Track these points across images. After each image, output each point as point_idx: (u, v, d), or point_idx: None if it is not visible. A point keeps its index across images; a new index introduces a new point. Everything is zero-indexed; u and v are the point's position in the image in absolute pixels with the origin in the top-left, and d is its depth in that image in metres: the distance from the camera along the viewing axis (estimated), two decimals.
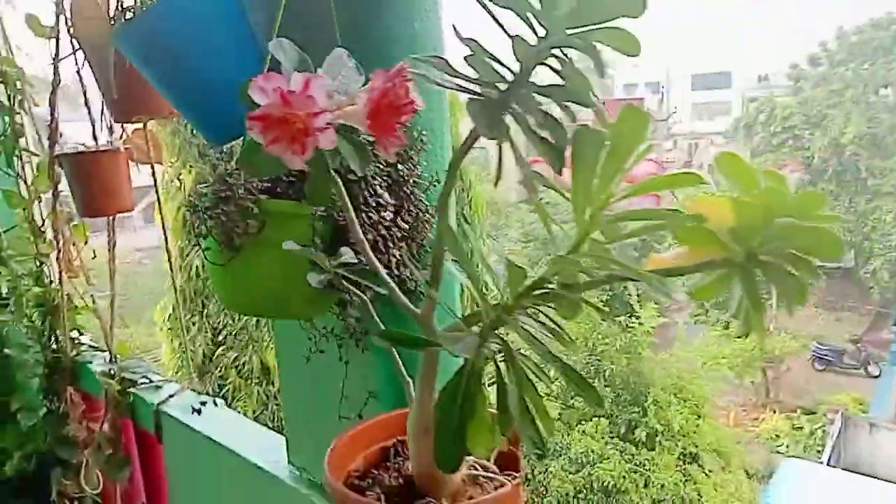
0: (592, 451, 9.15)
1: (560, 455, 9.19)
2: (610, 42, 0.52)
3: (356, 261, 0.71)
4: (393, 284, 0.70)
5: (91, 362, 1.90)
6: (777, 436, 14.33)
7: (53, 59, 1.44)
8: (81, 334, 2.05)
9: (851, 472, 12.10)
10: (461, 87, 0.52)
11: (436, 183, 0.89)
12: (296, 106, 0.49)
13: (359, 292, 0.72)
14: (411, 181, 0.83)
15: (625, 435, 10.15)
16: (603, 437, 9.63)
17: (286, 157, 0.51)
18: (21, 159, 1.88)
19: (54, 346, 2.01)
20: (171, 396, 1.65)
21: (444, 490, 0.79)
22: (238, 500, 1.37)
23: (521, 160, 0.57)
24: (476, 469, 0.82)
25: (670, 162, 35.83)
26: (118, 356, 1.83)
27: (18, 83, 1.80)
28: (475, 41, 0.51)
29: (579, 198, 0.61)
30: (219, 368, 6.43)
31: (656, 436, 10.03)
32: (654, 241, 11.61)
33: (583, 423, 9.89)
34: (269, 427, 1.51)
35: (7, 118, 1.84)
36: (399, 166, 0.83)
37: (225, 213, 0.74)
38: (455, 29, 0.56)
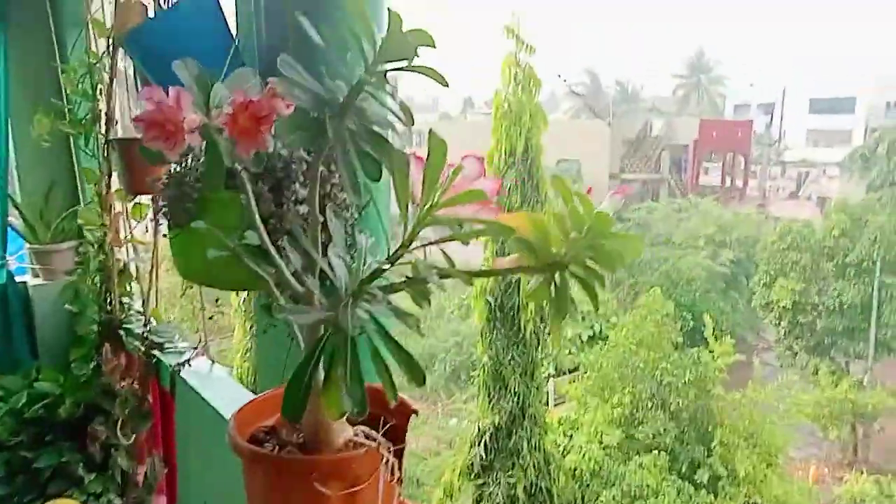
0: (647, 486, 8.87)
1: (613, 485, 8.97)
2: (421, 73, 0.63)
3: (258, 243, 0.85)
4: (282, 265, 0.82)
5: (132, 325, 2.15)
6: (862, 500, 13.24)
7: (110, 54, 1.68)
8: (130, 299, 2.30)
9: None
10: (299, 95, 0.65)
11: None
12: (167, 113, 0.63)
13: (258, 269, 0.86)
14: (331, 182, 0.96)
15: (686, 473, 9.76)
16: (661, 473, 9.31)
17: (163, 150, 0.65)
18: (97, 142, 2.16)
19: (109, 309, 2.28)
20: (187, 361, 1.86)
21: (328, 447, 0.90)
22: (222, 455, 1.54)
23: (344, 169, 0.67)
24: (359, 436, 0.94)
25: (773, 191, 33.94)
26: (153, 322, 2.06)
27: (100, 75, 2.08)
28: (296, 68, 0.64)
29: (403, 205, 0.72)
30: None
31: (719, 479, 9.58)
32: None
33: (641, 454, 9.60)
34: None
35: (90, 105, 2.13)
36: (324, 169, 0.96)
37: (170, 198, 0.90)
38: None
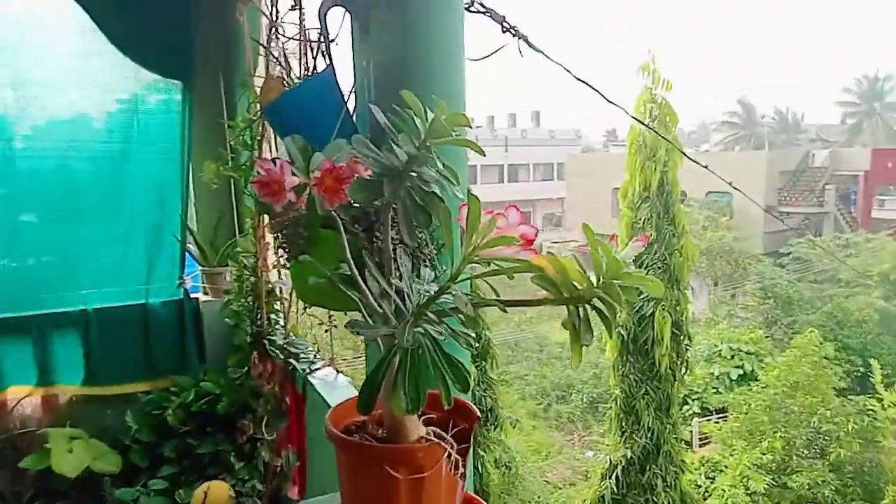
0: None
1: None
2: (460, 145, 0.83)
3: (349, 273, 1.08)
4: (367, 292, 1.05)
5: (276, 337, 2.52)
6: None
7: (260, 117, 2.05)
8: (276, 316, 2.68)
9: None
10: (372, 163, 0.87)
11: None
12: (273, 177, 0.89)
13: (348, 293, 1.09)
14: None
15: None
16: None
17: (272, 203, 0.91)
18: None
19: (259, 323, 2.67)
20: (315, 369, 2.17)
21: (404, 440, 1.11)
22: None
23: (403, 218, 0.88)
24: (430, 434, 1.13)
25: None
26: (291, 335, 2.41)
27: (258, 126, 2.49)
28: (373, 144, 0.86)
29: (449, 247, 0.92)
30: None
31: None
32: None
33: None
34: None
35: (249, 154, 2.55)
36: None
37: (287, 236, 1.16)
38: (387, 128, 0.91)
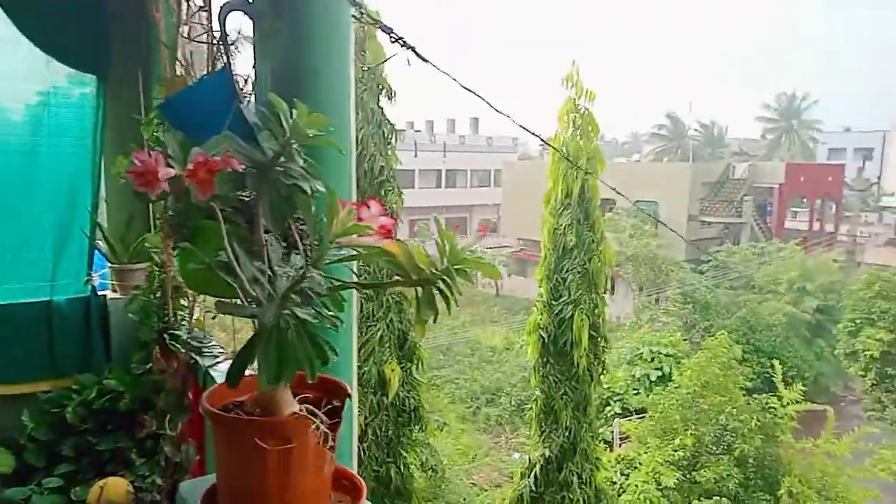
0: None
1: None
2: (323, 143, 0.94)
3: (226, 260, 1.16)
4: (242, 277, 1.13)
5: (179, 332, 2.54)
6: None
7: None
8: (184, 312, 2.70)
9: None
10: (242, 157, 0.96)
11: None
12: (147, 168, 0.97)
13: (227, 279, 1.17)
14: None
15: None
16: None
17: (147, 192, 0.99)
18: None
19: (165, 319, 2.68)
20: (218, 362, 2.21)
21: (277, 416, 1.20)
22: None
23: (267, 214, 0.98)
24: (303, 411, 1.22)
25: (865, 236, 31.99)
26: (195, 330, 2.44)
27: None
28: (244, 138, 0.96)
29: (314, 235, 1.02)
30: None
31: None
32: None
33: (702, 499, 9.32)
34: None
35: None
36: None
37: (172, 226, 1.24)
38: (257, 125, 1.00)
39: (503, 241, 35.90)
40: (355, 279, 1.19)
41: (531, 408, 8.45)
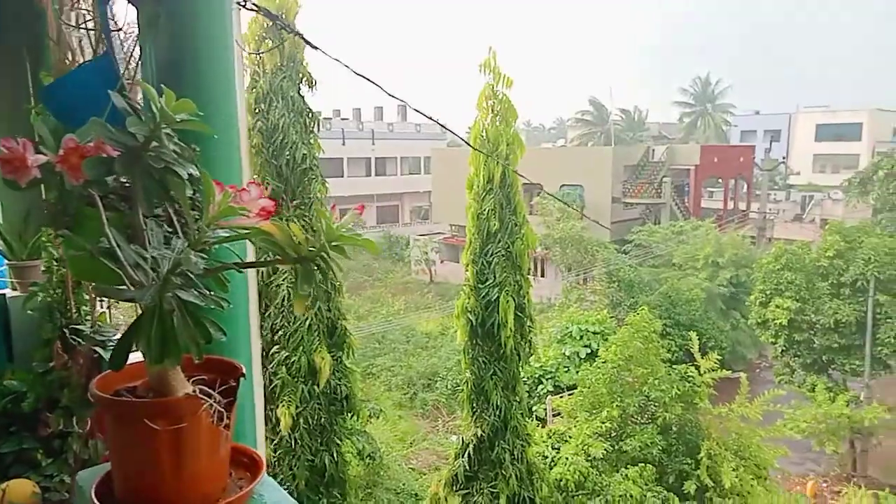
0: (631, 496, 9.03)
1: (598, 495, 9.14)
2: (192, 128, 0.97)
3: (108, 246, 1.17)
4: (124, 262, 1.14)
5: (82, 326, 2.47)
6: None
7: None
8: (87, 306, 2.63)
9: None
10: (113, 143, 0.98)
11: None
12: (15, 154, 0.96)
13: (111, 264, 1.18)
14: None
15: (673, 485, 9.90)
16: (647, 484, 9.46)
17: (16, 179, 0.98)
18: None
19: (68, 315, 2.60)
20: None
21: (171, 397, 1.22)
22: None
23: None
24: (196, 392, 1.25)
25: (774, 213, 34.02)
26: (98, 325, 2.39)
27: None
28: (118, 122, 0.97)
29: (189, 217, 1.04)
30: (272, 365, 7.12)
31: (706, 491, 9.72)
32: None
33: (628, 466, 9.76)
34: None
35: None
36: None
37: (54, 213, 1.23)
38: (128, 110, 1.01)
39: (435, 228, 36.09)
40: (247, 260, 1.22)
41: (462, 389, 8.62)
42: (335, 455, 7.35)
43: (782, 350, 16.73)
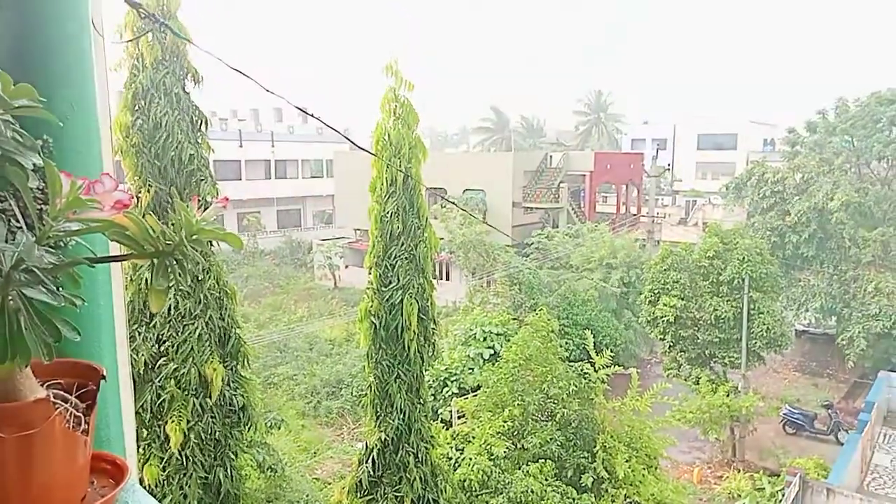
0: (533, 492, 9.28)
1: (501, 493, 9.32)
2: (33, 114, 0.90)
3: None
4: None
5: None
6: (739, 495, 14.31)
7: None
8: None
9: None
10: None
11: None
12: None
13: None
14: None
15: (572, 479, 10.28)
16: (547, 479, 9.76)
17: None
18: None
19: None
20: None
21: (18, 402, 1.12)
22: None
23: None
24: (49, 396, 1.16)
25: (662, 217, 36.25)
26: None
27: None
28: None
29: (33, 210, 0.97)
30: (159, 378, 6.73)
31: (602, 482, 10.16)
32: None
33: (529, 463, 10.03)
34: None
35: None
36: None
37: None
38: None
39: (339, 232, 35.59)
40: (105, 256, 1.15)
41: (366, 394, 8.53)
42: (230, 470, 7.05)
43: (670, 346, 17.80)
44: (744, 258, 16.53)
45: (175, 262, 1.02)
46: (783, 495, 12.64)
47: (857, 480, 13.85)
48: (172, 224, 1.06)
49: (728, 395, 15.80)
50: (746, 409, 15.65)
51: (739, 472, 15.44)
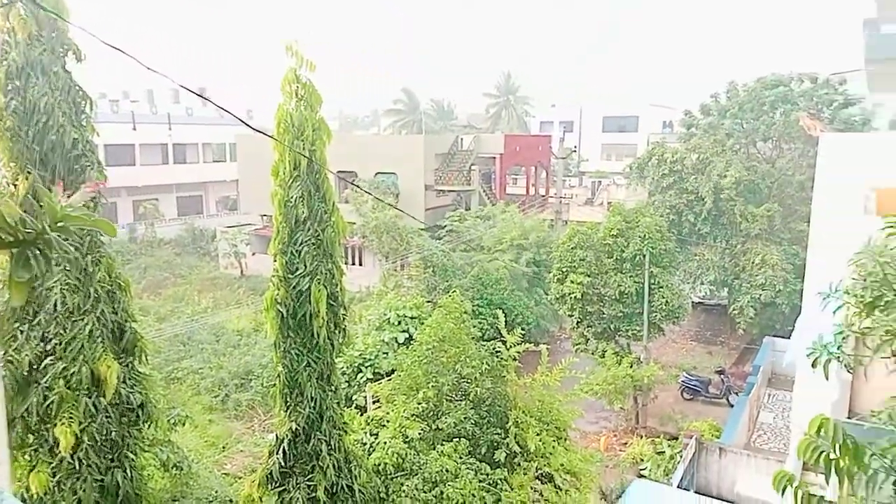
0: (447, 471, 9.37)
1: (416, 474, 9.36)
2: None
3: None
4: None
5: None
6: (641, 459, 15.12)
7: None
8: None
9: (702, 493, 12.93)
10: None
11: None
12: None
13: None
14: None
15: (486, 455, 10.47)
16: (461, 457, 9.88)
17: None
18: None
19: None
20: None
21: None
22: None
23: None
24: None
25: (569, 197, 37.42)
26: None
27: None
28: None
29: None
30: (45, 378, 6.23)
31: (514, 456, 10.42)
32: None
33: (444, 443, 10.12)
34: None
35: None
36: None
37: None
38: None
39: (244, 219, 34.36)
40: None
41: (275, 384, 8.28)
42: (130, 471, 6.65)
43: (577, 321, 18.45)
44: (645, 235, 17.32)
45: (38, 252, 0.89)
46: (681, 457, 13.48)
47: (745, 438, 14.98)
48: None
49: (631, 367, 16.60)
50: (648, 379, 16.52)
51: (642, 438, 16.30)
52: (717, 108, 25.54)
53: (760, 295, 21.03)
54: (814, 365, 3.23)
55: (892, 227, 2.93)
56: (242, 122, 4.81)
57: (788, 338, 10.14)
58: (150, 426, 7.11)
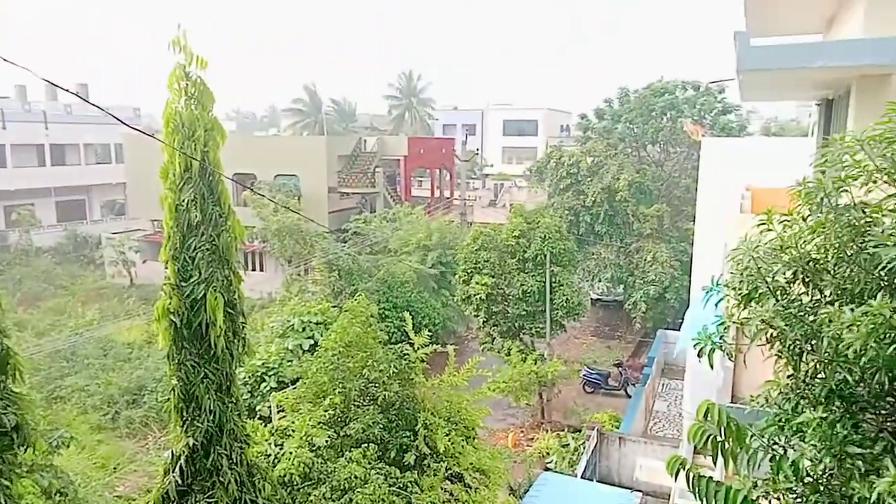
0: (356, 477, 9.22)
1: (323, 483, 9.15)
2: None
3: None
4: None
5: None
6: (548, 453, 15.58)
7: None
8: None
9: (604, 482, 13.47)
10: None
11: None
12: None
13: None
14: None
15: (395, 459, 10.39)
16: (370, 463, 9.76)
17: None
18: None
19: None
20: None
21: None
22: None
23: None
24: None
25: (473, 199, 38.09)
26: None
27: None
28: None
29: None
30: None
31: (424, 459, 10.40)
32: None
33: (352, 449, 9.95)
34: None
35: None
36: None
37: None
38: None
39: (133, 224, 32.38)
40: None
41: (170, 399, 7.81)
42: (4, 500, 6.06)
43: (483, 321, 18.77)
44: (545, 236, 17.88)
45: None
46: (584, 448, 14.01)
47: (642, 426, 15.78)
48: None
49: (536, 363, 17.08)
50: (552, 375, 17.05)
51: (548, 432, 16.81)
52: (610, 113, 26.80)
53: (652, 290, 22.25)
54: (699, 354, 3.42)
55: (764, 223, 3.16)
56: (122, 122, 4.50)
57: (679, 330, 10.76)
58: (26, 450, 6.50)
